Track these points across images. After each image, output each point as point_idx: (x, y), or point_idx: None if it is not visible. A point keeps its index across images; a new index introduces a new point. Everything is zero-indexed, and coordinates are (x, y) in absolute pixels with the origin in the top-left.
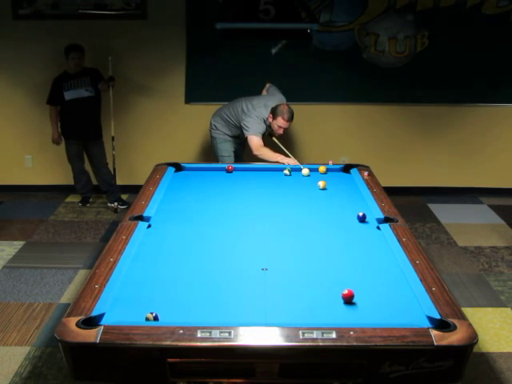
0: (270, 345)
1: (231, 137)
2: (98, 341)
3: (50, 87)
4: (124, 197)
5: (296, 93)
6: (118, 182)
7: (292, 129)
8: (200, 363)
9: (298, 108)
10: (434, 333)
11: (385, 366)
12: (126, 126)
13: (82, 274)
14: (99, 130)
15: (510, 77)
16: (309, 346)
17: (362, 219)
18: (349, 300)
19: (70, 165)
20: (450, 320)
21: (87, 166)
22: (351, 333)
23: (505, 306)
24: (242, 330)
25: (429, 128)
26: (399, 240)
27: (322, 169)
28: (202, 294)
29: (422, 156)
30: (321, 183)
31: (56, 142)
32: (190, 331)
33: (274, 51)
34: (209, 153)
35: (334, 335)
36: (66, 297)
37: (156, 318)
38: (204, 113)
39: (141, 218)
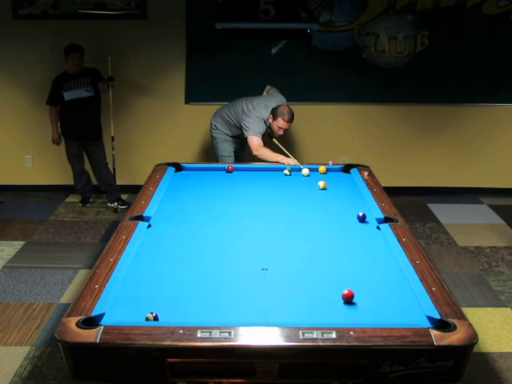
0: (269, 345)
1: (231, 137)
2: (97, 341)
3: (50, 88)
4: (124, 197)
5: (296, 93)
6: (118, 182)
7: (292, 129)
8: (200, 363)
9: (298, 108)
10: (434, 333)
11: (385, 366)
12: (125, 125)
13: (81, 274)
14: (99, 130)
15: (510, 77)
16: (309, 345)
17: (362, 219)
18: (349, 300)
19: (69, 165)
20: (450, 320)
21: (87, 166)
22: (351, 333)
23: (505, 306)
24: (241, 329)
25: (429, 128)
26: (399, 240)
27: (321, 169)
28: (202, 293)
29: (422, 156)
30: (321, 183)
31: (56, 142)
32: (190, 331)
33: (273, 51)
34: (209, 153)
35: (334, 335)
36: (66, 297)
37: (156, 318)
38: (204, 113)
39: (141, 217)
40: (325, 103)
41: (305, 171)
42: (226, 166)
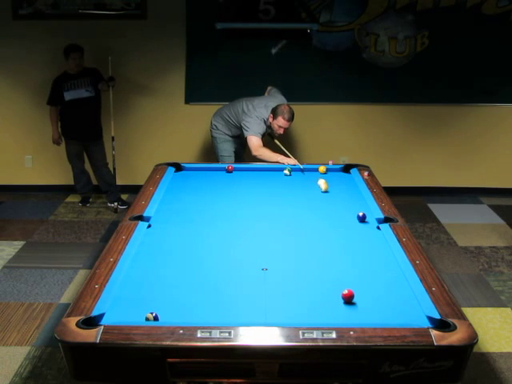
0: (269, 345)
1: (231, 137)
2: (97, 341)
3: (50, 88)
4: (124, 197)
5: (296, 93)
6: (118, 182)
7: (292, 129)
8: (200, 363)
9: (297, 108)
10: (434, 333)
11: (385, 365)
12: (125, 125)
13: (81, 274)
14: (99, 130)
15: (510, 77)
16: (309, 345)
17: (362, 219)
18: (349, 300)
19: (70, 165)
20: (450, 320)
21: (87, 166)
22: (351, 333)
23: (505, 306)
24: (241, 329)
25: (429, 128)
26: (399, 240)
27: (321, 169)
28: (202, 293)
29: (422, 156)
30: (322, 184)
31: (56, 142)
32: (190, 331)
33: (274, 51)
34: (209, 153)
35: (334, 335)
36: (66, 297)
37: (156, 318)
38: (204, 113)
39: (141, 217)
40: (325, 103)
41: (321, 183)
42: (225, 166)
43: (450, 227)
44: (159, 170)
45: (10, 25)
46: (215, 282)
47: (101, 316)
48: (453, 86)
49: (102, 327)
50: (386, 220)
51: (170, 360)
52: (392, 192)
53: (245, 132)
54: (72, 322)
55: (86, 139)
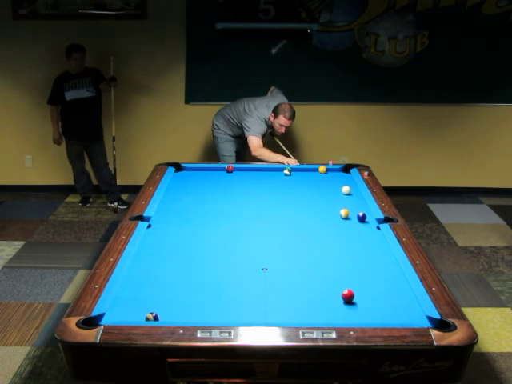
0: (269, 345)
1: (233, 137)
2: (97, 341)
3: (51, 87)
4: (124, 197)
5: (296, 93)
6: (118, 182)
7: (292, 129)
8: (200, 363)
9: (298, 108)
10: (434, 333)
11: (385, 365)
12: (126, 126)
13: (81, 274)
14: (100, 130)
15: (510, 77)
16: (309, 345)
17: (362, 219)
18: (349, 300)
19: (70, 165)
20: (450, 320)
21: (87, 166)
22: (351, 333)
23: (505, 306)
24: (241, 330)
25: (429, 128)
26: (399, 240)
27: (321, 169)
28: (202, 293)
29: (422, 156)
30: (343, 212)
31: (57, 142)
32: (190, 331)
33: (274, 51)
34: (209, 153)
35: (334, 335)
36: (66, 297)
37: (156, 318)
38: (204, 113)
39: (141, 217)
40: (325, 103)
41: (345, 189)
42: (225, 165)
43: (449, 227)
44: (159, 169)
45: (10, 25)
46: (215, 282)
47: (101, 316)
48: (453, 85)
49: (102, 327)
50: (386, 220)
51: (169, 360)
52: (392, 192)
53: (245, 132)
54: (72, 322)
55: (86, 139)
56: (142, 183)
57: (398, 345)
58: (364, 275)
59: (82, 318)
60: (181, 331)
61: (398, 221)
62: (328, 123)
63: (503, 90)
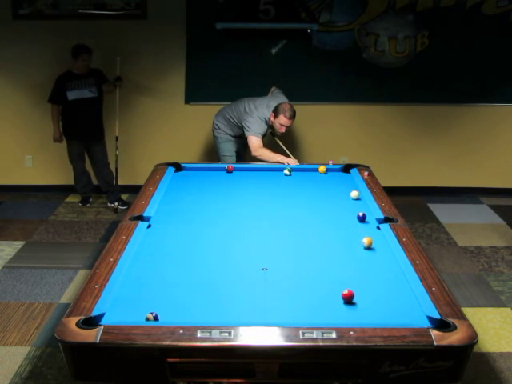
0: (269, 345)
1: (233, 137)
2: (98, 341)
3: (53, 85)
4: (124, 197)
5: (296, 93)
6: (119, 182)
7: (292, 129)
8: (200, 363)
9: (298, 108)
10: (434, 333)
11: (385, 365)
12: (126, 126)
13: (81, 274)
14: (101, 130)
15: (510, 77)
16: (309, 345)
17: (362, 219)
18: (349, 300)
19: (71, 164)
20: (450, 320)
21: (87, 166)
22: (351, 333)
23: (505, 306)
24: (242, 329)
25: (429, 128)
26: (399, 240)
27: (322, 169)
28: (202, 293)
29: (422, 156)
30: (365, 241)
31: (58, 140)
32: (190, 331)
33: (274, 51)
34: (209, 153)
35: (334, 335)
36: (66, 297)
37: (156, 318)
38: (204, 113)
39: (141, 218)
40: (325, 103)
41: (354, 194)
42: (225, 165)
43: (449, 227)
44: (159, 169)
45: (10, 25)
46: (215, 282)
47: (101, 316)
48: (453, 85)
49: (102, 327)
50: (386, 220)
51: (169, 360)
52: (392, 192)
53: (245, 132)
54: (72, 321)
55: (87, 139)
56: (142, 183)
57: (398, 345)
58: (364, 275)
59: (82, 318)
60: (181, 331)
61: (398, 221)
62: (328, 123)
63: (503, 89)
